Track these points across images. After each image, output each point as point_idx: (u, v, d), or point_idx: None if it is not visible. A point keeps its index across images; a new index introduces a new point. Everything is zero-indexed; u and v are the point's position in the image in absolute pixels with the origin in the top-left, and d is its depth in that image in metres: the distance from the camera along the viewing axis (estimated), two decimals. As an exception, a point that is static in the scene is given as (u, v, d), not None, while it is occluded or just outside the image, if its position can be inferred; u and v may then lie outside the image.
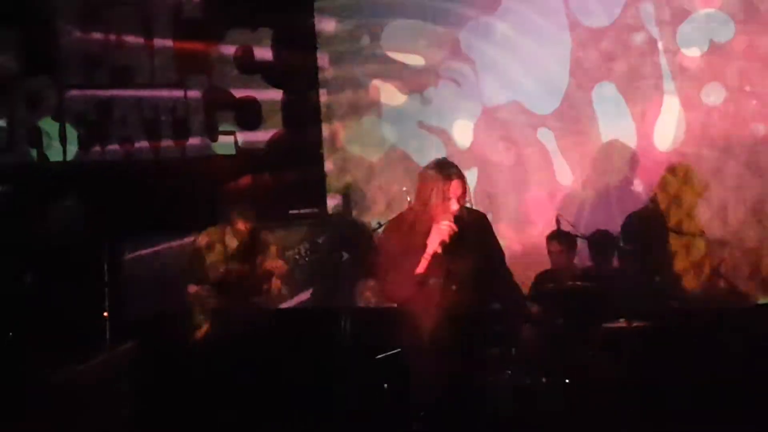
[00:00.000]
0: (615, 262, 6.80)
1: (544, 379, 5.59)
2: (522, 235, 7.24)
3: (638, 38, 6.92)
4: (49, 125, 7.99)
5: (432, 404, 4.78)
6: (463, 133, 7.44)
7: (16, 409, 5.04)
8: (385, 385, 6.08)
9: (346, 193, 7.80)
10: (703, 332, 6.18)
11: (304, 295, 7.73)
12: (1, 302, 6.71)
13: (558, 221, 6.37)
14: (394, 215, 6.97)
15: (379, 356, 6.28)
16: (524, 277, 6.93)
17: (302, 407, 5.97)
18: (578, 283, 6.09)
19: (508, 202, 7.32)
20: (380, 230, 7.12)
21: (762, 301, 6.56)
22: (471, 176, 7.29)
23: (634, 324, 5.68)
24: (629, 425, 5.32)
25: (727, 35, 6.65)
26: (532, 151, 7.25)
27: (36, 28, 7.88)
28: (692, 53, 6.77)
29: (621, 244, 6.73)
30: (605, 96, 7.03)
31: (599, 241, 6.75)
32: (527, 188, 7.27)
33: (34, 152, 8.01)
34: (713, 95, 6.72)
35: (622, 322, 5.72)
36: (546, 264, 6.47)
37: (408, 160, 7.56)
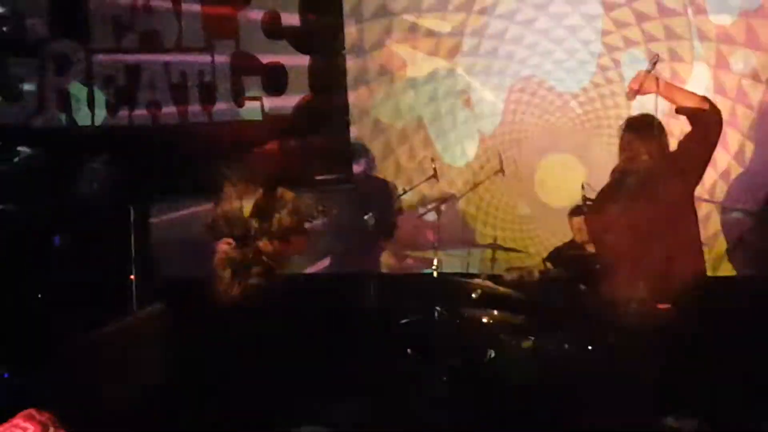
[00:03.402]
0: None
1: (566, 346, 5.61)
2: (549, 202, 7.26)
3: (668, 4, 6.87)
4: (77, 89, 8.04)
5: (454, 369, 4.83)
6: (491, 100, 7.43)
7: (42, 370, 5.11)
8: (409, 351, 6.14)
9: (372, 160, 7.81)
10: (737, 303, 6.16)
11: (327, 261, 7.78)
12: (30, 264, 6.80)
13: (583, 187, 6.35)
14: (419, 182, 7.09)
15: (403, 321, 6.34)
16: (549, 245, 7.00)
17: (326, 373, 6.02)
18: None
19: (536, 169, 7.31)
20: (404, 196, 7.18)
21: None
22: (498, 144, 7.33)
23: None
24: (650, 394, 5.32)
25: (757, 2, 6.58)
26: (561, 120, 7.23)
27: (64, -8, 7.92)
28: (722, 20, 6.70)
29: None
30: (633, 63, 6.98)
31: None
32: (555, 157, 7.26)
33: (62, 116, 8.07)
34: (742, 62, 6.66)
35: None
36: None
37: (434, 127, 7.57)
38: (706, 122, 4.69)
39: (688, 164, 4.76)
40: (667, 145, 4.91)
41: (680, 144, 4.87)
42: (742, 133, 6.74)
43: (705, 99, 4.78)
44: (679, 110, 4.79)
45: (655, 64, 4.86)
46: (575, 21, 7.16)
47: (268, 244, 6.00)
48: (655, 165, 4.68)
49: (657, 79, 4.83)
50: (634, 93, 4.87)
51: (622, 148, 4.97)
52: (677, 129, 5.18)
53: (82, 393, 4.87)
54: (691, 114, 4.72)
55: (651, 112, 4.83)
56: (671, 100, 4.86)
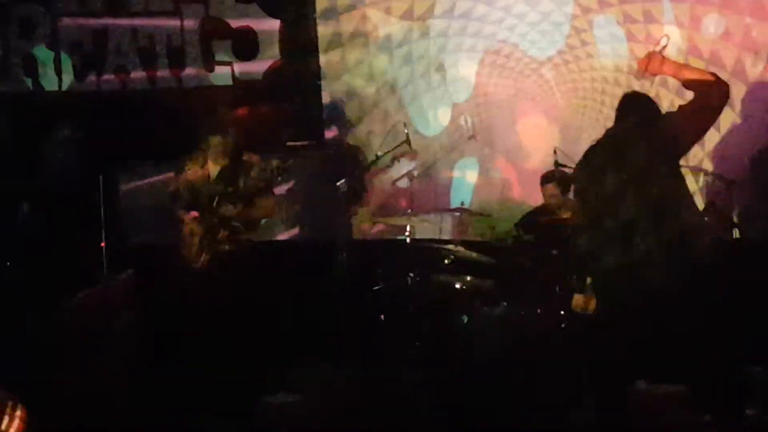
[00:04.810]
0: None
1: (538, 310, 5.64)
2: (521, 167, 7.26)
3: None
4: (43, 54, 7.91)
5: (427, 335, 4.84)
6: (462, 66, 7.39)
7: (15, 340, 5.07)
8: (382, 317, 6.14)
9: (344, 125, 7.76)
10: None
11: (298, 228, 7.76)
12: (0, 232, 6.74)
13: (555, 153, 6.36)
14: (391, 148, 7.06)
15: (376, 287, 6.33)
16: (519, 212, 7.00)
17: (299, 340, 6.01)
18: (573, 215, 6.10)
19: (508, 135, 7.30)
20: (377, 162, 7.14)
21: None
22: (472, 109, 7.30)
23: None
24: (623, 359, 5.36)
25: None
26: (532, 85, 7.21)
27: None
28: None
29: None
30: (605, 28, 6.97)
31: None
32: (527, 121, 7.25)
33: (29, 81, 7.95)
34: (713, 26, 6.67)
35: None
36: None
37: (405, 92, 7.52)
38: (713, 95, 4.78)
39: (686, 130, 4.82)
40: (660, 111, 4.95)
41: (682, 111, 4.91)
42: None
43: (712, 74, 4.85)
44: (687, 85, 4.87)
45: (664, 46, 4.92)
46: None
47: (233, 208, 5.97)
48: (649, 128, 4.73)
49: (663, 58, 4.91)
50: (642, 73, 4.99)
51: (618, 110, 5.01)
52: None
53: (54, 362, 4.84)
54: (699, 88, 4.79)
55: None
56: (679, 78, 4.93)
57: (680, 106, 5.01)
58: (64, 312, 5.28)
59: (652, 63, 4.90)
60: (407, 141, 6.90)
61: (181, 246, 6.07)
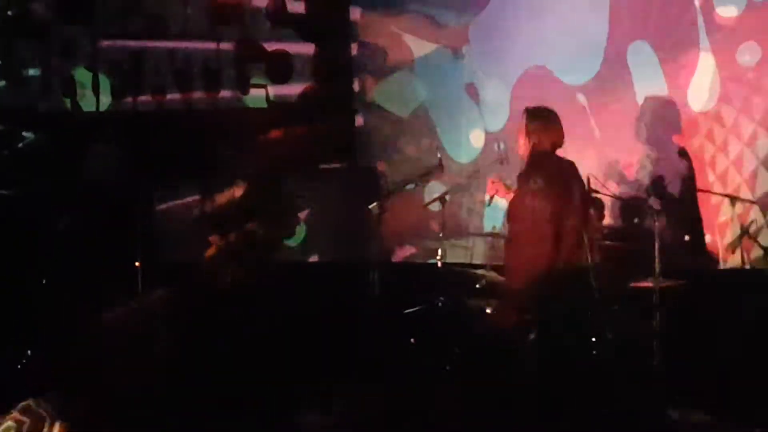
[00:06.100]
0: (646, 222, 6.77)
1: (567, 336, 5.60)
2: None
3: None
4: (82, 75, 8.03)
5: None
6: (496, 92, 7.40)
7: (48, 353, 5.11)
8: (412, 340, 6.13)
9: (376, 149, 7.79)
10: (732, 293, 6.18)
11: (329, 250, 7.78)
12: (36, 249, 6.80)
13: (588, 180, 6.34)
14: (423, 171, 7.08)
15: (408, 311, 6.33)
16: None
17: (328, 360, 6.01)
18: (606, 242, 6.08)
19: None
20: (408, 187, 7.17)
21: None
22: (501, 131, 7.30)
23: (663, 284, 5.66)
24: (652, 383, 5.33)
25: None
26: (568, 112, 7.20)
27: (71, -25, 7.91)
28: (729, 12, 6.68)
29: (650, 203, 6.70)
30: (640, 55, 6.96)
31: (630, 200, 6.74)
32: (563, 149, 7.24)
33: (67, 101, 8.05)
34: (749, 55, 6.64)
35: (650, 281, 5.70)
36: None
37: (439, 116, 7.55)
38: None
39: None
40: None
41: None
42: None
43: None
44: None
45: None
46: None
47: (257, 228, 6.01)
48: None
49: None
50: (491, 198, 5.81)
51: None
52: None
53: (88, 378, 4.86)
54: None
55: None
56: None
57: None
58: (96, 329, 5.31)
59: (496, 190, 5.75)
60: (440, 165, 6.91)
61: (209, 265, 6.11)
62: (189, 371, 5.67)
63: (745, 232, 6.50)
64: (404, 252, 7.61)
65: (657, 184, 6.83)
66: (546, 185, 5.49)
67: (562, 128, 5.75)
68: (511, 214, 5.74)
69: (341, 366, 5.91)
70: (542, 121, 5.71)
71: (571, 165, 5.74)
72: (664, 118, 6.91)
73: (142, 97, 8.00)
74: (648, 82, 6.95)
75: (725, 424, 5.19)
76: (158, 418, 5.05)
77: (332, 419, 3.85)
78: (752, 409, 5.18)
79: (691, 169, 6.81)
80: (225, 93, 7.97)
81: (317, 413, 3.90)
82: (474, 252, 7.10)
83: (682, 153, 6.84)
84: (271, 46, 7.91)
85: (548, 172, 5.55)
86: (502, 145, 6.27)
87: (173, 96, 8.01)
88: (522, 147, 5.74)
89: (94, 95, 7.96)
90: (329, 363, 5.99)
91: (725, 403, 5.33)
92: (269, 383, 5.58)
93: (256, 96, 7.94)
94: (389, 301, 6.45)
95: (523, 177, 5.65)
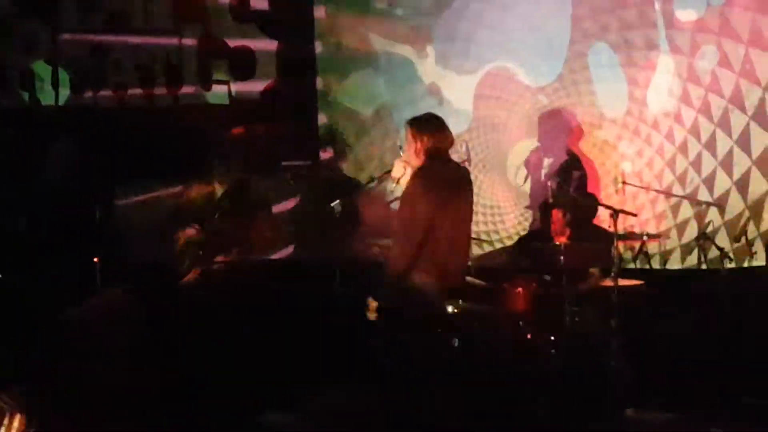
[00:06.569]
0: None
1: (528, 336, 5.65)
2: (513, 194, 7.30)
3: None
4: (42, 69, 7.94)
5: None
6: (459, 92, 7.43)
7: (7, 351, 5.06)
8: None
9: (339, 147, 7.79)
10: (689, 292, 6.30)
11: (291, 248, 7.77)
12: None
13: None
14: (386, 169, 7.09)
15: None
16: (513, 233, 7.04)
17: (295, 360, 6.01)
18: (567, 241, 6.14)
19: (501, 161, 7.34)
20: (371, 185, 7.17)
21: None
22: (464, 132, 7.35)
23: (621, 283, 5.73)
24: (613, 381, 5.39)
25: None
26: (528, 112, 7.26)
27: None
28: (688, 15, 6.77)
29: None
30: (600, 57, 7.03)
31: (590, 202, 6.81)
32: (523, 146, 7.30)
33: (26, 95, 7.97)
34: (707, 59, 6.74)
35: (609, 281, 5.76)
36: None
37: (401, 115, 7.57)
38: None
39: None
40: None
41: None
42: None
43: None
44: None
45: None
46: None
47: (235, 226, 6.00)
48: None
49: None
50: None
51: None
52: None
53: (48, 373, 4.82)
54: None
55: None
56: None
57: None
58: (57, 325, 5.27)
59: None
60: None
61: (174, 262, 6.08)
62: (151, 367, 5.64)
63: (702, 233, 6.60)
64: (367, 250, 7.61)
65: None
66: (437, 187, 5.39)
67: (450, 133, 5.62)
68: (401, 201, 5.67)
69: (308, 366, 5.91)
70: (432, 127, 5.60)
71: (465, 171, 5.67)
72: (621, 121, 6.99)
73: (103, 92, 7.93)
74: (608, 83, 7.02)
75: (682, 424, 5.26)
76: (119, 412, 5.02)
77: (298, 417, 3.85)
78: (710, 407, 5.26)
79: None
80: (187, 89, 7.92)
81: (284, 413, 3.90)
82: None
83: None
84: (233, 43, 7.88)
85: (440, 174, 5.44)
86: (464, 146, 6.29)
87: (134, 91, 7.94)
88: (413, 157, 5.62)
89: (53, 89, 7.88)
90: (292, 361, 5.99)
91: (682, 401, 5.41)
92: (232, 381, 5.57)
93: (219, 92, 7.90)
94: (351, 300, 6.45)
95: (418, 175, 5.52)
